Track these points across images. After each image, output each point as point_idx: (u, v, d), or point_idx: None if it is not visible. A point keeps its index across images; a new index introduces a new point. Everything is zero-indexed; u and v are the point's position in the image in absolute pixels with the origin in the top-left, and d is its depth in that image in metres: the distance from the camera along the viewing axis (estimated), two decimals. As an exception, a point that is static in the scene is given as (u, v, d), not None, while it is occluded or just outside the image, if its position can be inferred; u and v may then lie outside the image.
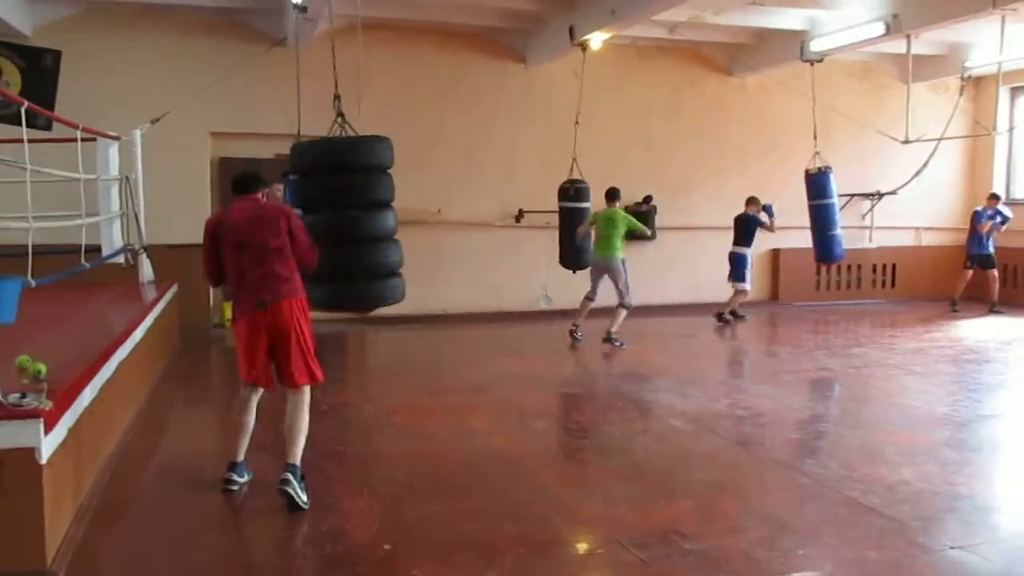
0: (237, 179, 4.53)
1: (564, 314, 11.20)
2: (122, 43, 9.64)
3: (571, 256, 9.44)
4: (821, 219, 10.13)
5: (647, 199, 11.52)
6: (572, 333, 9.17)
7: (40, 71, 9.26)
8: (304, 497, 4.02)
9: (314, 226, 5.01)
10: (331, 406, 6.18)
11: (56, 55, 9.29)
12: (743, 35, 11.08)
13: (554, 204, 10.33)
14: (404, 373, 7.71)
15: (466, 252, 11.05)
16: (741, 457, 4.94)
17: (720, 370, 8.03)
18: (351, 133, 5.44)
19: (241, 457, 4.41)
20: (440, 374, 7.48)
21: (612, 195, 9.03)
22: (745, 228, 10.47)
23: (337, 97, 5.55)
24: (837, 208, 10.31)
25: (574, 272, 9.61)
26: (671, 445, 5.20)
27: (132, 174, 8.38)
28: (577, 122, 9.54)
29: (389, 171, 5.35)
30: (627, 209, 11.29)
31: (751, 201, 10.57)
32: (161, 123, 8.76)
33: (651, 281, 11.56)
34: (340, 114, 5.45)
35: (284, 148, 9.01)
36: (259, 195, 4.48)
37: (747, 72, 11.81)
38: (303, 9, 7.88)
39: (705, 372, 7.70)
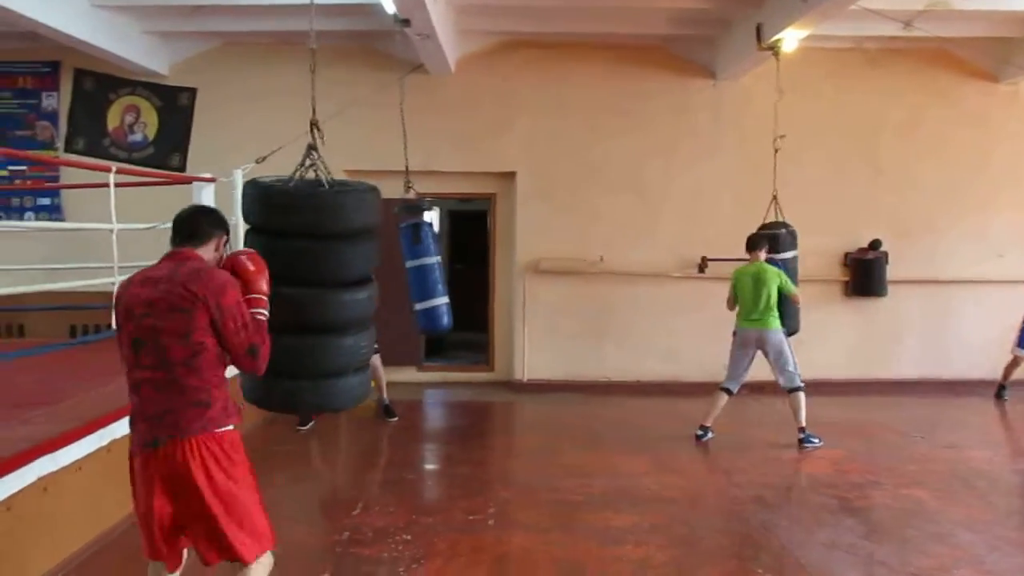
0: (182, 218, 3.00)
1: (755, 389, 8.97)
2: (257, 76, 9.03)
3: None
4: None
5: (873, 245, 8.94)
6: (700, 437, 6.82)
7: (176, 110, 8.97)
8: None
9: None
10: (359, 534, 4.64)
11: (192, 93, 8.96)
12: (1013, 24, 8.24)
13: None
14: (493, 478, 6.03)
15: (634, 308, 9.18)
16: None
17: (946, 504, 5.31)
18: (324, 175, 3.86)
19: None
20: (543, 482, 5.67)
21: (757, 243, 6.75)
22: None
23: (313, 124, 4.04)
24: None
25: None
26: None
27: (231, 219, 7.49)
28: (776, 148, 7.40)
29: (361, 236, 3.74)
30: (846, 257, 8.97)
31: None
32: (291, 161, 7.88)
33: (874, 350, 9.06)
34: (312, 147, 3.91)
35: (424, 187, 7.83)
36: (200, 251, 2.94)
37: (1022, 75, 8.86)
38: (405, 23, 6.64)
39: (922, 508, 5.17)
